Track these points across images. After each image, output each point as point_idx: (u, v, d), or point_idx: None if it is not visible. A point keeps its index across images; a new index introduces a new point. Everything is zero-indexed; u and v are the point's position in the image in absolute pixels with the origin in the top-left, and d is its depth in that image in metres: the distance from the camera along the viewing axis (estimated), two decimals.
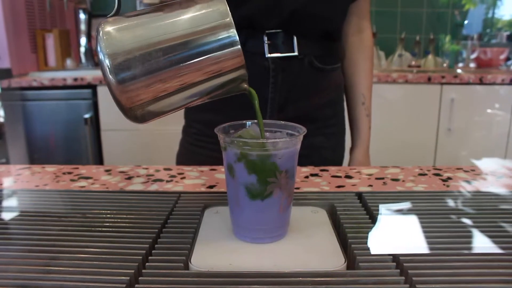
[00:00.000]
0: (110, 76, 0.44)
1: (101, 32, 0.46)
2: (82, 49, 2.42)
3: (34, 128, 2.14)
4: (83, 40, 2.46)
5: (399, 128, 2.16)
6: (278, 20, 0.85)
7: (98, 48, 0.46)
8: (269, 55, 0.87)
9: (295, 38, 0.87)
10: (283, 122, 0.55)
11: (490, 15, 2.88)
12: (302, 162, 0.79)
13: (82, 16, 2.35)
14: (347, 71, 1.00)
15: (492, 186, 0.67)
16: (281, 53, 0.87)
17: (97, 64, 2.53)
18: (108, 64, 0.44)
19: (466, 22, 2.82)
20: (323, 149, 0.96)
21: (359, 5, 0.96)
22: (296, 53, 0.87)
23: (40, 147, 2.17)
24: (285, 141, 0.48)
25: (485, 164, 0.80)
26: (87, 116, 2.07)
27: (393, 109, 2.14)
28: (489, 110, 2.17)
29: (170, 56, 0.45)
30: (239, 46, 0.47)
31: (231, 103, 0.92)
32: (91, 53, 2.43)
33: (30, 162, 2.16)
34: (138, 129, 2.13)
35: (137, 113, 0.48)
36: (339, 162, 1.02)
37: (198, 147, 0.96)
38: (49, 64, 2.44)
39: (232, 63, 0.49)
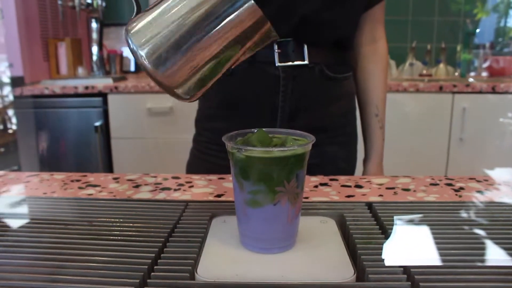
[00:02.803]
0: (147, 65, 0.49)
1: (127, 32, 0.50)
2: (94, 58, 2.44)
3: (46, 135, 2.16)
4: (94, 49, 2.48)
5: (410, 137, 2.14)
6: (288, 27, 0.85)
7: (130, 47, 0.50)
8: (279, 64, 0.86)
9: (305, 46, 0.86)
10: (291, 130, 0.55)
11: (502, 24, 2.86)
12: (314, 172, 0.78)
13: (94, 25, 2.36)
14: (360, 81, 0.99)
15: (506, 196, 0.66)
16: (291, 61, 0.86)
17: (108, 72, 2.56)
18: (141, 55, 0.49)
19: (478, 31, 2.80)
20: (335, 159, 0.95)
21: (374, 13, 0.95)
22: (306, 62, 0.87)
23: (51, 155, 2.18)
24: (293, 149, 0.47)
25: (498, 174, 0.78)
26: (97, 124, 2.08)
27: (404, 118, 2.12)
28: (501, 119, 2.15)
29: (193, 30, 0.48)
30: (252, 1, 0.49)
31: (241, 112, 0.92)
32: (102, 61, 2.45)
33: (41, 169, 2.17)
34: (148, 137, 2.13)
35: (183, 91, 0.52)
36: (351, 172, 1.01)
37: (208, 156, 0.95)
38: (61, 72, 2.47)
39: (250, 18, 0.50)
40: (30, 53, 2.28)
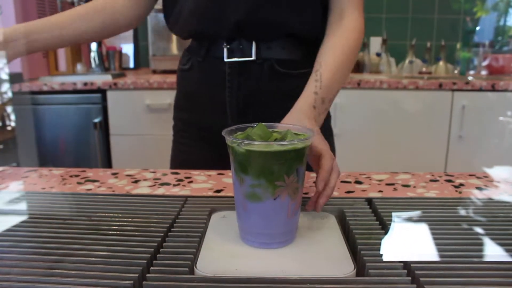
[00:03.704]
0: None
1: None
2: (93, 54, 2.43)
3: (44, 132, 2.15)
4: (93, 45, 2.47)
5: (409, 135, 2.14)
6: (227, 31, 0.86)
7: None
8: (227, 59, 0.87)
9: (254, 43, 0.87)
10: (291, 125, 0.54)
11: (502, 22, 2.85)
12: None
13: None
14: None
15: (505, 193, 0.66)
16: (238, 57, 0.87)
17: (107, 69, 2.55)
18: None
19: (477, 29, 2.79)
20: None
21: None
22: (253, 58, 0.87)
23: (50, 151, 2.17)
24: (293, 144, 0.47)
25: (498, 171, 0.78)
26: (96, 120, 2.07)
27: (403, 116, 2.12)
28: (501, 118, 2.14)
29: None
30: None
31: (197, 104, 0.94)
32: (101, 58, 2.44)
33: (40, 165, 2.17)
34: (147, 134, 2.13)
35: None
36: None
37: (179, 144, 1.00)
38: (60, 69, 2.46)
39: None
40: None
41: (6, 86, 2.58)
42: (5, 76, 2.41)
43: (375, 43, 2.72)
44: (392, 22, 2.78)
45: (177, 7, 0.91)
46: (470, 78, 2.35)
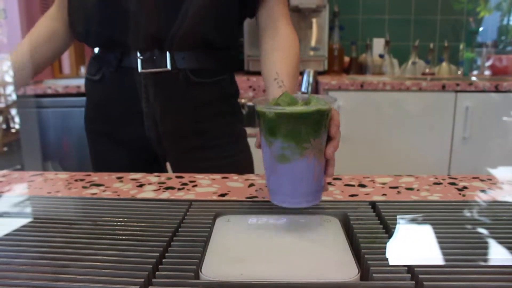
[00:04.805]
0: None
1: None
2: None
3: (49, 134, 2.16)
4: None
5: (413, 136, 2.14)
6: (142, 42, 0.86)
7: None
8: (142, 70, 0.88)
9: (168, 53, 0.87)
10: (315, 95, 0.57)
11: (505, 22, 2.85)
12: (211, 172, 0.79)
13: None
14: (262, 62, 0.94)
15: (510, 195, 0.66)
16: (153, 68, 0.88)
17: None
18: None
19: (481, 29, 2.79)
20: (225, 158, 0.96)
21: (270, 11, 0.92)
22: (168, 68, 0.88)
23: (54, 154, 2.18)
24: (318, 106, 0.51)
25: (502, 172, 0.78)
26: None
27: (407, 117, 2.12)
28: (505, 118, 2.14)
29: None
30: None
31: (111, 116, 0.95)
32: None
33: (44, 168, 2.18)
34: None
35: None
36: (249, 166, 1.02)
37: (99, 151, 1.01)
38: (64, 72, 2.47)
39: None
40: None
41: (10, 89, 2.60)
42: (9, 79, 2.43)
43: (378, 44, 2.72)
44: (395, 24, 2.78)
45: (86, 16, 0.89)
46: (473, 78, 2.34)
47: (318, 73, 2.36)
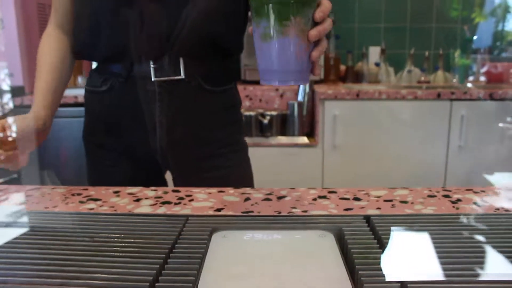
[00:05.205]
0: None
1: None
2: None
3: (46, 144, 2.16)
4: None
5: (409, 145, 2.15)
6: (154, 49, 0.86)
7: None
8: (155, 79, 0.87)
9: (181, 60, 0.87)
10: None
11: (500, 27, 2.87)
12: (211, 184, 0.80)
13: None
14: None
15: (503, 208, 0.67)
16: (167, 76, 0.88)
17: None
18: None
19: (475, 38, 2.81)
20: (228, 168, 0.97)
21: None
22: (182, 76, 0.88)
23: (52, 164, 2.18)
24: None
25: (498, 180, 0.79)
26: None
27: (403, 126, 2.13)
28: (501, 124, 2.16)
29: None
30: None
31: (120, 126, 0.94)
32: None
33: (41, 178, 2.18)
34: None
35: None
36: (249, 177, 1.02)
37: (99, 168, 1.00)
38: None
39: None
40: (31, 63, 2.29)
41: (7, 97, 2.60)
42: (6, 87, 2.43)
43: (374, 53, 2.74)
44: (391, 32, 2.80)
45: (93, 29, 0.89)
46: (469, 85, 2.36)
47: (314, 82, 2.37)
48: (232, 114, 1.00)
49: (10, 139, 0.77)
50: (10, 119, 0.78)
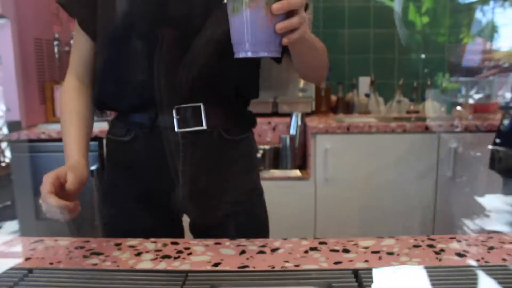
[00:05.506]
0: None
1: None
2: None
3: (41, 178, 2.19)
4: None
5: (399, 177, 2.19)
6: (178, 100, 0.89)
7: None
8: (178, 130, 0.90)
9: (203, 111, 0.91)
10: None
11: (488, 46, 2.94)
12: (230, 232, 0.83)
13: None
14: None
15: (483, 259, 0.71)
16: (190, 127, 0.91)
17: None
18: None
19: (463, 59, 2.87)
20: (246, 215, 1.00)
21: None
22: (205, 127, 0.91)
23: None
24: None
25: (489, 201, 0.83)
26: (93, 168, 2.12)
27: (393, 158, 2.17)
28: (489, 146, 2.20)
29: None
30: None
31: (143, 175, 0.96)
32: None
33: (37, 214, 2.19)
34: None
35: None
36: (265, 223, 1.05)
37: (117, 217, 1.01)
38: (57, 115, 2.51)
39: None
40: (27, 97, 2.33)
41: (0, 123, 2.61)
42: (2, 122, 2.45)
43: (364, 83, 2.81)
44: (380, 63, 2.88)
45: (118, 81, 0.92)
46: (458, 108, 2.41)
47: (306, 114, 2.43)
48: (251, 161, 1.04)
49: (71, 189, 0.79)
50: (62, 171, 0.80)
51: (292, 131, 2.23)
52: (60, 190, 0.78)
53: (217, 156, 0.96)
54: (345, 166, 2.12)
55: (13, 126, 2.25)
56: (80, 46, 0.96)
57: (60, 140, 2.11)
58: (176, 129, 0.90)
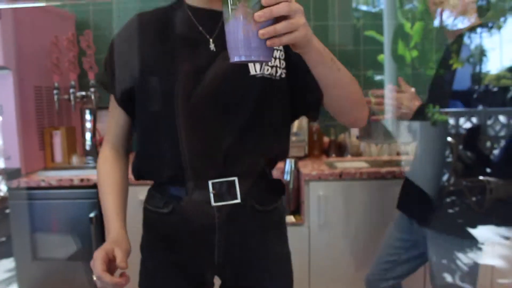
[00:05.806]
0: None
1: None
2: (88, 147, 2.53)
3: (41, 226, 2.22)
4: (87, 135, 2.57)
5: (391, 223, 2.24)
6: (215, 169, 0.94)
7: None
8: (214, 204, 0.95)
9: (237, 185, 0.95)
10: None
11: (477, 69, 2.99)
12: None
13: (88, 116, 2.49)
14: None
15: None
16: (225, 201, 0.95)
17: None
18: None
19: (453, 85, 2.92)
20: (277, 279, 1.05)
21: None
22: (239, 201, 0.96)
23: (46, 245, 2.23)
24: None
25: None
26: (92, 215, 2.16)
27: (384, 204, 2.21)
28: (480, 177, 2.24)
29: None
30: None
31: (180, 246, 1.00)
32: (95, 149, 2.55)
33: (36, 259, 2.22)
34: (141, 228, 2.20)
35: None
36: (290, 285, 1.09)
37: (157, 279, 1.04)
38: (56, 160, 2.56)
39: None
40: (26, 144, 2.37)
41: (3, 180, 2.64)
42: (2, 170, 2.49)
43: None
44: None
45: (157, 155, 0.97)
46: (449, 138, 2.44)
47: (299, 158, 2.49)
48: (282, 228, 1.09)
49: (123, 267, 0.83)
50: (109, 249, 0.84)
51: (286, 176, 2.28)
52: (108, 264, 0.82)
53: (250, 228, 1.00)
54: (339, 212, 2.17)
55: (13, 173, 2.29)
56: (116, 118, 1.02)
57: (59, 188, 2.16)
58: (212, 203, 0.94)
